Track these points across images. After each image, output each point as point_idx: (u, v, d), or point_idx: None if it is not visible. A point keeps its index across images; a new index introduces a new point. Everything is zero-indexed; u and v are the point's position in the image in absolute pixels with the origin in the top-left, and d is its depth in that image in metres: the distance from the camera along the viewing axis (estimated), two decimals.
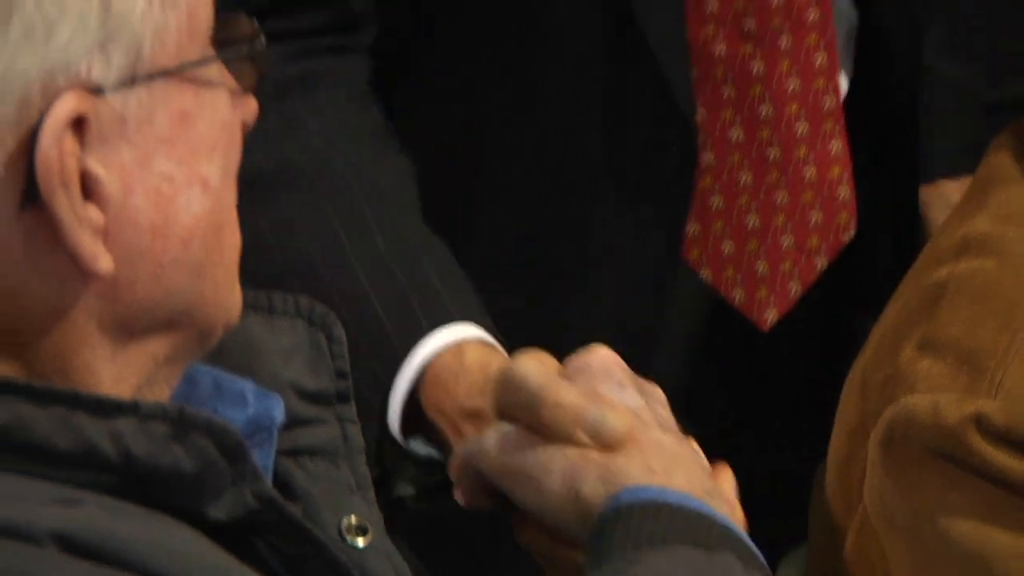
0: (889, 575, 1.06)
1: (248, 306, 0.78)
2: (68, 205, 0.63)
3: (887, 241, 1.24)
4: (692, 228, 1.15)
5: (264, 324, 0.85)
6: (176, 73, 0.68)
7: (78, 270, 0.66)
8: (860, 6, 1.21)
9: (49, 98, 0.62)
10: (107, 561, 0.63)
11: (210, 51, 0.70)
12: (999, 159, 1.20)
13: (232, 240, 0.74)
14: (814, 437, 1.11)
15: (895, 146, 1.25)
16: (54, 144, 0.62)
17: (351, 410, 0.87)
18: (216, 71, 0.70)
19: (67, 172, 0.62)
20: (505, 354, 1.01)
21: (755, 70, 1.11)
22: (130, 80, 0.65)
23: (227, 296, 0.75)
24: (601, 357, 0.84)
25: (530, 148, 1.10)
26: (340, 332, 0.87)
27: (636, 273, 1.15)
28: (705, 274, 1.17)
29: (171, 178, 0.68)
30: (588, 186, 1.14)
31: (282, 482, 0.81)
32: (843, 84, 1.23)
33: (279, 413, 0.81)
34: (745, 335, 1.19)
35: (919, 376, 1.00)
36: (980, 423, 0.94)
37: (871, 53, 1.23)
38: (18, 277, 0.66)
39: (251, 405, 0.81)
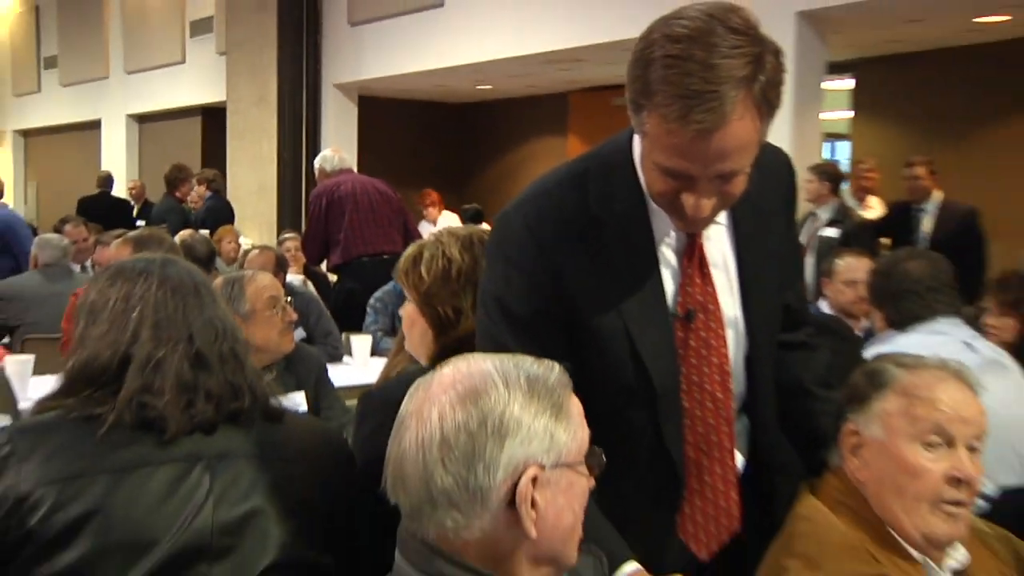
0: None
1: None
2: (525, 509, 1.42)
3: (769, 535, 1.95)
4: (682, 523, 1.97)
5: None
6: (570, 466, 1.47)
7: (522, 533, 1.45)
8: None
9: (525, 468, 1.43)
10: None
11: (582, 458, 1.50)
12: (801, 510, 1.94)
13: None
14: None
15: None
16: (525, 486, 1.42)
17: None
18: (583, 468, 1.49)
19: (527, 497, 1.43)
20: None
21: (704, 463, 1.94)
22: (554, 466, 1.45)
23: (572, 554, 1.52)
24: None
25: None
26: (607, 562, 1.72)
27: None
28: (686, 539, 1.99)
29: (561, 507, 1.48)
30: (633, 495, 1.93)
31: None
32: (740, 460, 2.00)
33: None
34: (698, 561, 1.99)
35: (790, 572, 1.83)
36: None
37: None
38: (497, 536, 1.45)
39: None
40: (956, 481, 1.85)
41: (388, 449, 1.51)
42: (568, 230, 1.86)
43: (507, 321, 1.88)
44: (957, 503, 1.86)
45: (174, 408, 1.87)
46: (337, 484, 2.02)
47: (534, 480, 1.43)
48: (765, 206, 1.97)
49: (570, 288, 1.85)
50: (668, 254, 1.91)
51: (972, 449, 1.88)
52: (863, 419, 1.93)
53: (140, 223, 11.20)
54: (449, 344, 2.20)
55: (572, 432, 1.47)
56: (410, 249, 2.34)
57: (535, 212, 1.89)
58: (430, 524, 1.44)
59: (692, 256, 1.90)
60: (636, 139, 1.85)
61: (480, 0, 10.63)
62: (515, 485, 1.42)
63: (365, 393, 2.25)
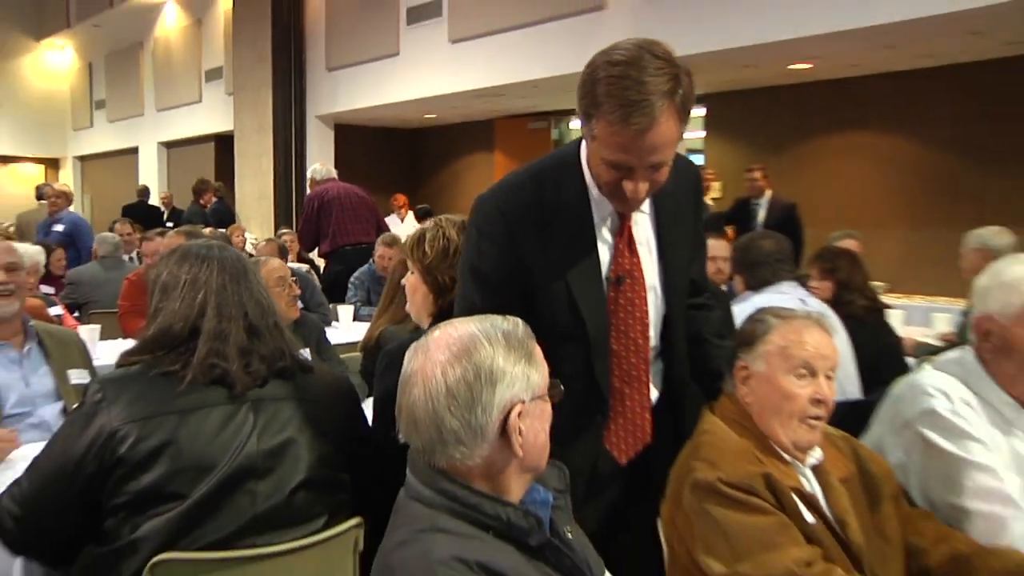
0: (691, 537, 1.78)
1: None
2: (515, 436, 1.39)
3: (678, 444, 1.93)
4: (607, 436, 1.95)
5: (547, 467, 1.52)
6: (540, 397, 1.44)
7: (512, 454, 1.40)
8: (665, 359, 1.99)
9: (512, 405, 1.39)
10: (489, 570, 1.29)
11: (546, 390, 1.45)
12: (704, 426, 1.91)
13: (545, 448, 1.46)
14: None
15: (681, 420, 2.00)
16: (513, 419, 1.39)
17: (567, 495, 1.60)
18: (547, 397, 1.45)
19: (516, 428, 1.39)
20: None
21: (625, 392, 1.92)
22: (531, 399, 1.41)
23: (544, 463, 1.48)
24: None
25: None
26: (567, 472, 1.61)
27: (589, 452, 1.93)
28: (609, 448, 1.96)
29: (538, 429, 1.44)
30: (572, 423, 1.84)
31: (552, 520, 1.48)
32: (654, 393, 1.98)
33: (551, 499, 1.52)
34: (620, 465, 1.97)
35: (696, 471, 1.79)
36: (720, 479, 1.76)
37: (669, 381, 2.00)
38: (493, 459, 1.40)
39: (542, 496, 1.51)
40: (817, 402, 1.86)
41: (398, 401, 1.46)
42: (529, 214, 1.85)
43: (476, 283, 1.86)
44: (817, 418, 1.87)
45: (239, 369, 1.87)
46: (347, 418, 2.01)
47: (520, 413, 1.41)
48: (679, 200, 1.98)
49: (528, 259, 1.84)
50: (605, 233, 1.90)
51: (828, 378, 1.89)
52: (750, 357, 1.93)
53: (169, 225, 10.83)
54: (445, 305, 2.17)
55: (540, 372, 1.45)
56: (414, 232, 2.31)
57: (504, 199, 1.88)
58: (441, 457, 1.41)
59: (623, 235, 1.90)
60: (583, 146, 1.85)
61: (426, 51, 10.51)
62: (505, 419, 1.40)
63: (387, 350, 2.17)
